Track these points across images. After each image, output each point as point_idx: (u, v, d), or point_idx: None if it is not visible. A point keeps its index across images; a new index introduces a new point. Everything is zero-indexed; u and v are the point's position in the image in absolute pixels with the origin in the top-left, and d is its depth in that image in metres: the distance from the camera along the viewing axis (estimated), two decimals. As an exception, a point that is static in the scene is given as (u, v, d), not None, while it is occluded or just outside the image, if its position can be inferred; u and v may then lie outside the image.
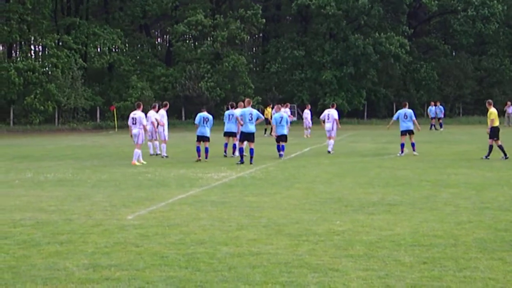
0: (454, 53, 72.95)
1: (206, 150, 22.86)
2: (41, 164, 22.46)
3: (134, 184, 16.43)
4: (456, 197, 13.52)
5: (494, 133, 22.35)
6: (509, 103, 53.69)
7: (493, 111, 22.63)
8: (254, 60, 73.78)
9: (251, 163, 21.26)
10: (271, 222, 10.78)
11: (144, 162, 22.06)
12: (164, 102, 26.84)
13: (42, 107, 53.31)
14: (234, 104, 24.94)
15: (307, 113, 40.68)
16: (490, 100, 23.77)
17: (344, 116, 62.78)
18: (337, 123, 26.33)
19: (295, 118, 58.23)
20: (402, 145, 24.51)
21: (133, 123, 22.31)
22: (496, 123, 22.45)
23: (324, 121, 26.78)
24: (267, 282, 7.23)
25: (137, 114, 22.37)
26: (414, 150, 24.52)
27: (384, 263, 8.02)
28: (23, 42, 62.07)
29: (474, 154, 24.26)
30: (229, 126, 24.06)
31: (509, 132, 37.83)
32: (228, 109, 24.93)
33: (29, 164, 22.74)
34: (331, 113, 26.41)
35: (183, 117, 60.71)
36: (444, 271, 7.62)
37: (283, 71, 66.11)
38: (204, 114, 22.99)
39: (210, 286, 7.11)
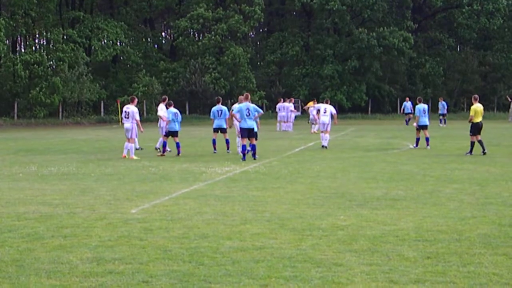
0: (459, 48, 72.80)
1: (177, 145, 22.90)
2: (45, 158, 22.50)
3: (138, 178, 16.44)
4: (460, 192, 13.50)
5: (475, 129, 22.33)
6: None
7: (474, 107, 22.52)
8: (258, 55, 73.73)
9: (254, 159, 21.13)
10: (274, 216, 10.78)
11: (136, 158, 21.89)
12: (163, 96, 26.48)
13: (48, 101, 53.39)
14: (221, 99, 24.68)
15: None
16: (476, 95, 23.50)
17: (347, 111, 62.86)
18: (334, 118, 26.40)
19: (298, 113, 58.23)
20: (418, 139, 25.36)
21: (125, 117, 22.29)
22: (477, 120, 22.33)
23: (318, 113, 26.95)
24: (270, 276, 7.23)
25: (130, 108, 22.28)
26: (427, 144, 25.15)
27: (388, 258, 8.01)
28: (28, 36, 62.13)
29: (478, 149, 24.19)
30: (219, 122, 23.65)
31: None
32: (215, 104, 24.34)
33: (33, 157, 22.77)
34: (328, 107, 26.54)
35: (187, 111, 60.74)
36: (448, 266, 7.61)
37: (285, 65, 66.15)
38: (174, 109, 23.31)
39: (214, 280, 7.11)
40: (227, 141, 23.94)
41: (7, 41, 58.93)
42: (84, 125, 52.44)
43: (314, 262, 7.81)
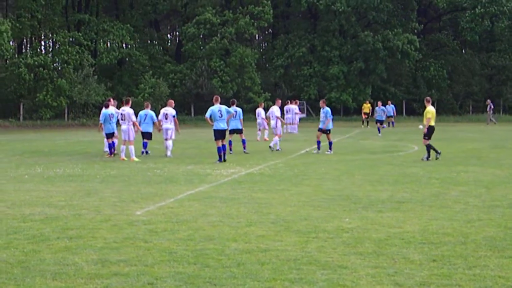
0: (464, 51, 72.68)
1: (111, 144, 23.13)
2: (51, 159, 22.53)
3: (143, 179, 16.45)
4: (466, 194, 13.46)
5: (429, 133, 21.16)
6: (489, 101, 54.05)
7: (432, 110, 21.46)
8: (264, 57, 73.76)
9: (221, 161, 20.79)
10: (280, 218, 10.76)
11: (126, 159, 21.91)
12: (108, 99, 25.95)
13: (55, 103, 53.52)
14: (235, 101, 25.44)
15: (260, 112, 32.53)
16: (428, 98, 22.38)
17: (352, 113, 62.86)
18: (279, 120, 27.04)
19: (304, 115, 58.26)
20: (319, 143, 24.84)
21: (122, 119, 22.37)
22: (432, 123, 21.23)
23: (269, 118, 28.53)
24: (276, 278, 7.22)
25: (126, 110, 22.35)
26: (330, 148, 24.78)
27: (393, 260, 7.99)
28: (33, 38, 62.29)
29: (484, 151, 24.13)
30: (233, 124, 24.02)
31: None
32: (229, 106, 24.69)
33: (38, 159, 22.81)
34: (273, 110, 27.61)
35: (193, 113, 60.81)
36: (453, 269, 7.59)
37: (291, 67, 66.16)
38: (110, 110, 23.19)
39: (219, 282, 7.10)
40: (243, 141, 24.55)
41: (13, 43, 59.06)
42: (89, 126, 52.49)
43: (319, 265, 7.79)
